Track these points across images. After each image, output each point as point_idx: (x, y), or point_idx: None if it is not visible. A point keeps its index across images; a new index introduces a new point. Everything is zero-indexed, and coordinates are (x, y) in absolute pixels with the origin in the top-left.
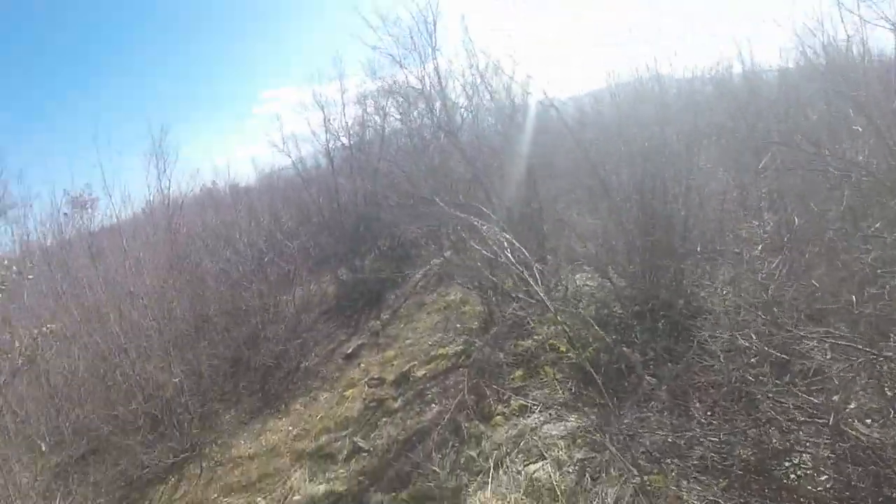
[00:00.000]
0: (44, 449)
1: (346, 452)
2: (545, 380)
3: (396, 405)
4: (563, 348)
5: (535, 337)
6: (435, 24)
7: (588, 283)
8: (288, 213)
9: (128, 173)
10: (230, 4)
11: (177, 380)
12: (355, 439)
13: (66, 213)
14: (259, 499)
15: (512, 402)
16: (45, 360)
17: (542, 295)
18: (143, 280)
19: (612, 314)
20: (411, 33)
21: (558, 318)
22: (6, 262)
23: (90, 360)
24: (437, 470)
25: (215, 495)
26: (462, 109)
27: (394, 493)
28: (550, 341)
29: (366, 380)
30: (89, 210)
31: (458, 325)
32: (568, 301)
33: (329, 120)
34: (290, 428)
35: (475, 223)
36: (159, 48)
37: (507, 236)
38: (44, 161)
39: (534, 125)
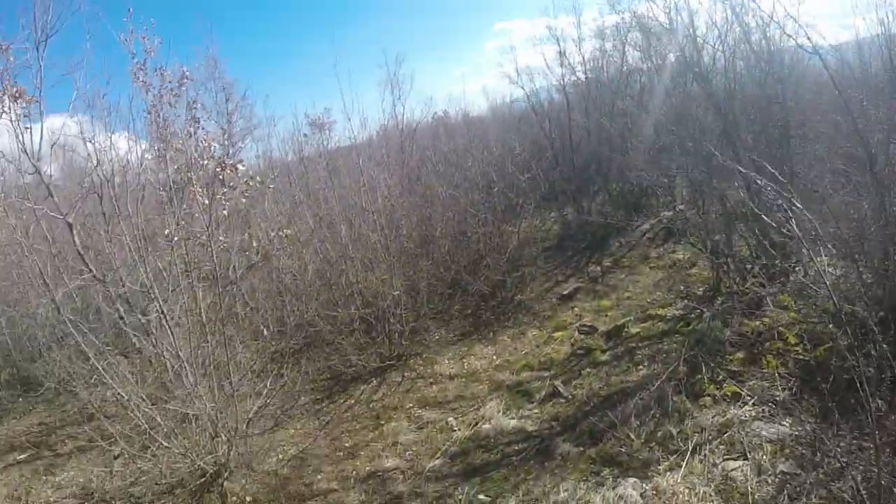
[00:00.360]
0: (266, 335)
1: (543, 394)
2: (766, 371)
3: (604, 358)
4: (791, 339)
5: (764, 319)
6: None
7: (830, 268)
8: (521, 145)
9: (364, 100)
10: None
11: (396, 292)
12: (555, 383)
13: (305, 134)
14: (451, 418)
15: (725, 385)
16: (278, 260)
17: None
18: (374, 197)
19: (853, 314)
20: None
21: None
22: (251, 173)
23: (318, 264)
24: (632, 437)
25: (410, 405)
26: (712, 50)
27: (581, 448)
28: (779, 328)
29: (577, 325)
30: (327, 132)
31: (682, 288)
32: (805, 287)
33: (564, 53)
34: (494, 357)
35: (759, 183)
36: None
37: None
38: (286, 86)
39: (791, 76)
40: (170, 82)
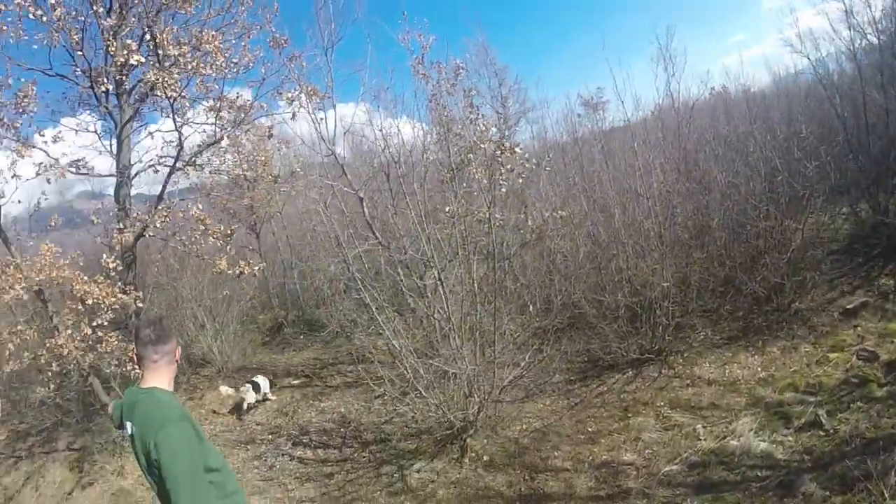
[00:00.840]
0: (531, 311)
1: (802, 421)
2: None
3: (880, 393)
4: None
5: None
6: None
7: None
8: (808, 127)
9: (635, 77)
10: None
11: (666, 284)
12: (819, 412)
13: (579, 114)
14: (699, 426)
15: None
16: (551, 240)
17: None
18: (649, 182)
19: None
20: None
21: None
22: (527, 154)
23: (589, 247)
24: (886, 495)
25: (661, 403)
26: None
27: (827, 493)
28: None
29: (857, 347)
30: (601, 112)
31: None
32: None
33: (851, 12)
34: (759, 369)
35: None
36: None
37: None
38: (556, 69)
39: None
40: (446, 73)
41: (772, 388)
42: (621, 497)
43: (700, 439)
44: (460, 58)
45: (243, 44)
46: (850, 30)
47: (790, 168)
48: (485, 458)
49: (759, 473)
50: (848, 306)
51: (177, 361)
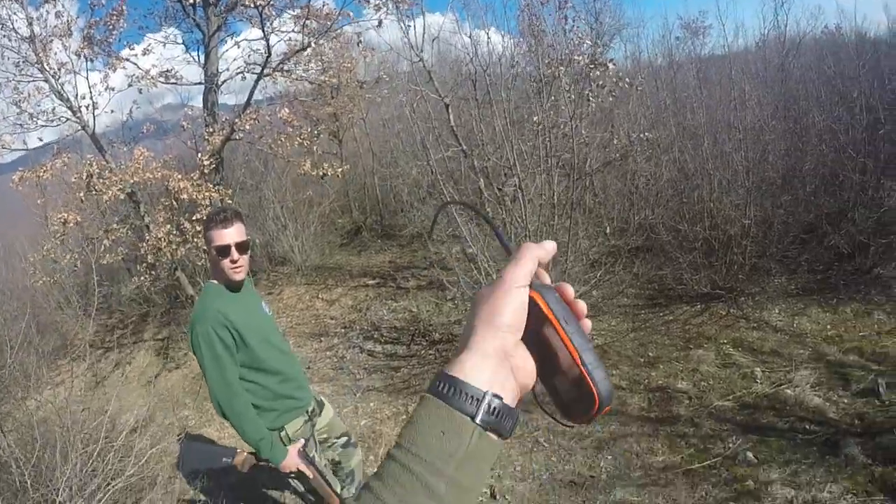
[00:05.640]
0: (607, 231)
1: (861, 386)
2: None
3: None
4: None
5: None
6: None
7: None
8: None
9: (742, 5)
10: None
11: (747, 221)
12: (879, 380)
13: (678, 37)
14: (758, 369)
15: None
16: (635, 162)
17: None
18: (743, 114)
19: None
20: None
21: None
22: (620, 73)
23: (674, 173)
24: None
25: (724, 341)
26: None
27: (870, 461)
28: None
29: None
30: (700, 37)
31: None
32: None
33: None
34: (828, 327)
35: None
36: None
37: None
38: None
39: None
40: None
41: (837, 348)
42: (669, 422)
43: (756, 382)
44: None
45: None
46: None
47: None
48: None
49: (807, 426)
50: None
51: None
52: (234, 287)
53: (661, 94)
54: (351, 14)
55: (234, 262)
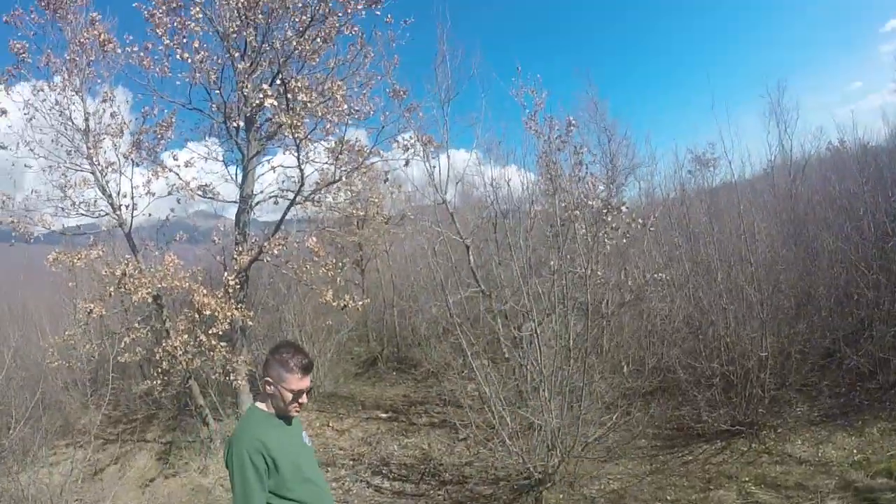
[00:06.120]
0: (624, 371)
1: None
2: None
3: None
4: None
5: None
6: None
7: None
8: None
9: (746, 130)
10: None
11: (764, 354)
12: None
13: (689, 171)
14: None
15: None
16: (649, 301)
17: None
18: (754, 246)
19: None
20: None
21: None
22: (633, 214)
23: (689, 310)
24: None
25: (746, 479)
26: None
27: None
28: None
29: None
30: (711, 168)
31: None
32: None
33: None
34: (855, 451)
35: None
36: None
37: None
38: (665, 124)
39: None
40: (558, 129)
41: (864, 472)
42: None
43: None
44: (571, 112)
45: (364, 92)
46: None
47: None
48: None
49: None
50: None
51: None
52: (287, 420)
53: (674, 230)
54: (381, 151)
55: (301, 404)
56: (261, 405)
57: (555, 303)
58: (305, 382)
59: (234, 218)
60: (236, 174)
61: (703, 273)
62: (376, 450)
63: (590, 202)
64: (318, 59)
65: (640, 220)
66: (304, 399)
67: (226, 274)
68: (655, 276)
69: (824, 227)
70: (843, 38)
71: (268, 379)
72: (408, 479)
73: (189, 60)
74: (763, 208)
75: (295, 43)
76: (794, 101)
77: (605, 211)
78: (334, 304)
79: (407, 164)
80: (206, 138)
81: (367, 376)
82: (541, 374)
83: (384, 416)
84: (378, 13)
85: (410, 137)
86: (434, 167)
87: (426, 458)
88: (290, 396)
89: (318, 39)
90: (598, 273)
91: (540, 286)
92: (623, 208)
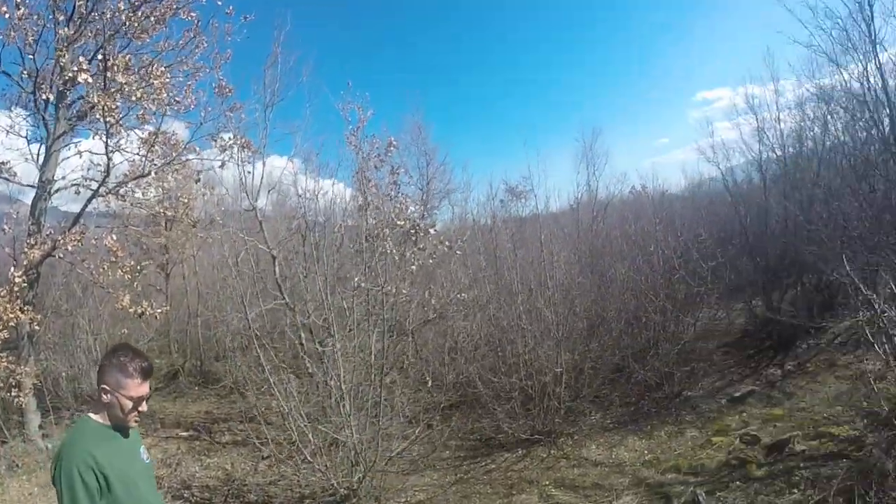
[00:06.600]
0: (429, 385)
1: (682, 501)
2: None
3: (758, 473)
4: None
5: None
6: (872, 10)
7: None
8: (708, 230)
9: (561, 168)
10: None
11: (559, 370)
12: (698, 491)
13: (501, 200)
14: None
15: None
16: (453, 320)
17: None
18: (553, 272)
19: None
20: (845, 25)
21: None
22: (441, 237)
23: (490, 329)
24: None
25: (547, 483)
26: None
27: None
28: None
29: (740, 432)
30: (523, 200)
31: (865, 404)
32: None
33: (762, 129)
34: (646, 452)
35: None
36: (589, 48)
37: None
38: (483, 155)
39: None
40: (378, 148)
41: (655, 470)
42: None
43: None
44: (396, 133)
45: (189, 83)
46: (759, 143)
47: (687, 267)
48: None
49: None
50: (735, 394)
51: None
52: (123, 431)
53: (480, 254)
54: (198, 149)
55: (140, 412)
56: (94, 416)
57: (359, 318)
58: (145, 388)
59: (30, 204)
60: (38, 154)
61: (505, 295)
62: (177, 472)
63: (398, 222)
64: (147, 40)
65: (447, 243)
66: (143, 407)
67: (13, 269)
68: (459, 295)
69: (619, 259)
70: (660, 99)
71: (104, 387)
72: (211, 502)
73: (7, 15)
74: (565, 239)
75: (125, 17)
76: (605, 147)
77: (412, 231)
78: (131, 310)
79: (223, 165)
80: (12, 108)
81: (167, 391)
82: (340, 390)
83: (185, 434)
84: (220, 2)
85: (229, 138)
86: (249, 172)
87: (229, 478)
88: (129, 404)
89: (152, 18)
90: (404, 291)
91: (345, 301)
92: (431, 230)
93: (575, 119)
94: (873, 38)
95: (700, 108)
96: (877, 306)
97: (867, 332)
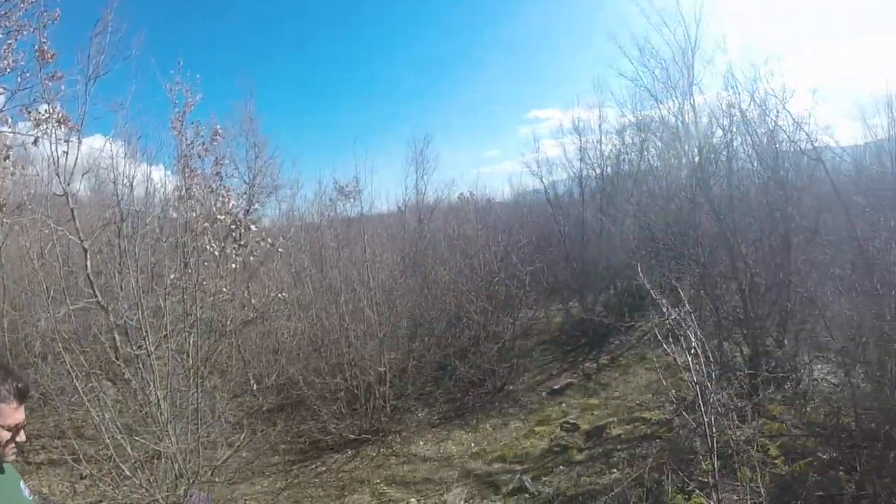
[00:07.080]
0: (253, 388)
1: (510, 487)
2: (739, 484)
3: (580, 457)
4: (773, 451)
5: (746, 429)
6: (693, 56)
7: (828, 379)
8: (528, 237)
9: (390, 171)
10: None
11: (382, 369)
12: (524, 478)
13: (331, 199)
14: (413, 499)
15: (693, 497)
16: (276, 319)
17: None
18: (377, 273)
19: (842, 426)
20: (667, 66)
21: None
22: (263, 234)
23: (314, 329)
24: None
25: (378, 481)
26: (718, 154)
27: None
28: (762, 439)
29: (561, 421)
30: (352, 200)
31: (673, 391)
32: (796, 397)
33: (585, 149)
34: (472, 445)
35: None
36: (432, 65)
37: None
38: (316, 153)
39: (799, 180)
40: (203, 136)
41: (482, 461)
42: None
43: None
44: (226, 120)
45: (10, 42)
46: (581, 162)
47: (507, 270)
48: None
49: None
50: (555, 387)
51: None
52: None
53: (303, 253)
54: (9, 119)
55: (18, 444)
56: None
57: (176, 319)
58: (21, 414)
59: None
60: None
61: (328, 294)
62: None
63: (219, 216)
64: None
65: (269, 240)
66: (21, 437)
67: None
68: (280, 295)
69: (441, 262)
70: (493, 112)
71: None
72: None
73: None
74: (390, 241)
75: None
76: (436, 153)
77: (233, 227)
78: None
79: (36, 142)
80: None
81: None
82: (157, 397)
83: None
84: None
85: (45, 111)
86: (64, 152)
87: (45, 503)
88: (6, 435)
89: None
90: (224, 290)
91: (161, 300)
92: (253, 227)
93: (409, 124)
94: (691, 80)
95: (531, 125)
96: (665, 310)
97: (657, 332)
